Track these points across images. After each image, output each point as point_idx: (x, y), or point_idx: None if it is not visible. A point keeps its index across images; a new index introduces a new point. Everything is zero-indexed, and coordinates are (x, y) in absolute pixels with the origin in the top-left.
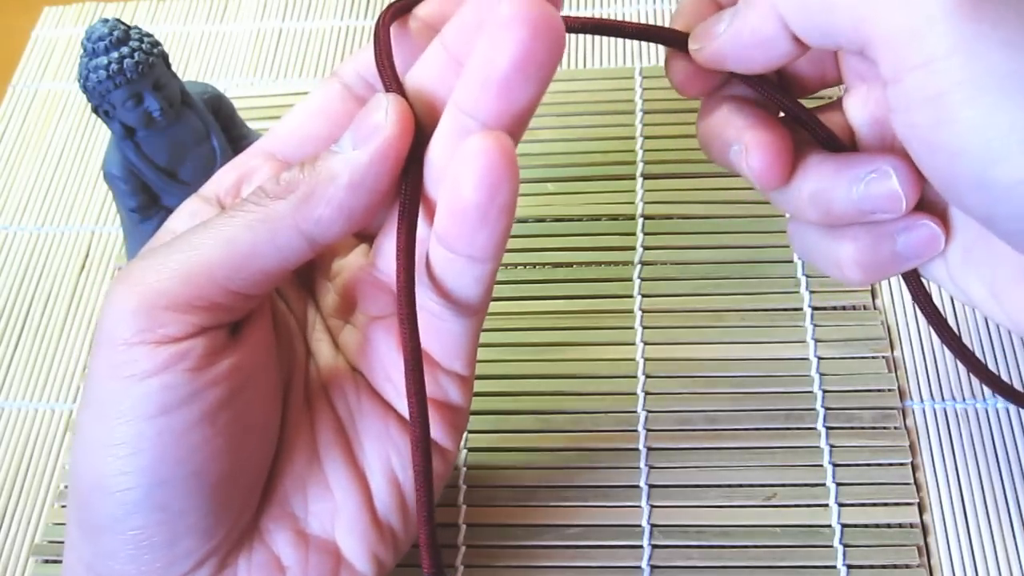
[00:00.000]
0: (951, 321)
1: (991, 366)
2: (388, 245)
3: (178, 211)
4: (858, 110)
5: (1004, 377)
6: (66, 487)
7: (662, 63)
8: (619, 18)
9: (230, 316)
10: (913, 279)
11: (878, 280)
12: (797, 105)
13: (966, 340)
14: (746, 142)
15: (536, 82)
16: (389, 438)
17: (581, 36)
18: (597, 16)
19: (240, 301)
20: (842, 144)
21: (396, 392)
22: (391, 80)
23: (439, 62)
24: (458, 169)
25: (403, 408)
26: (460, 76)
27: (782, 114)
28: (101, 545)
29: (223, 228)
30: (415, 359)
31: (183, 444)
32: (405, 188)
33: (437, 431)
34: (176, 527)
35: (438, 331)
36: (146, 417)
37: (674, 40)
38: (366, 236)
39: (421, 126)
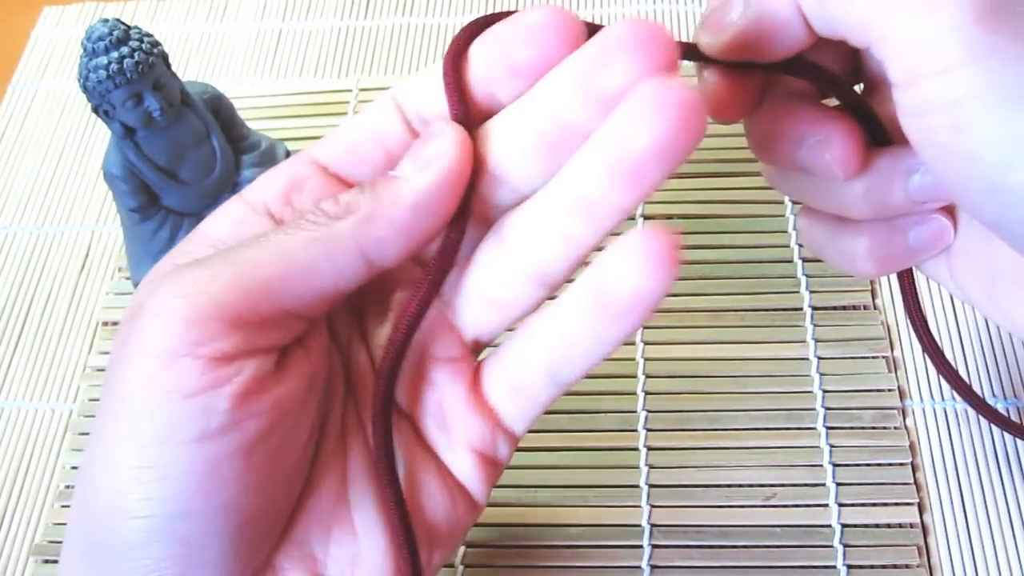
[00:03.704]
0: (951, 323)
1: (991, 370)
2: (464, 281)
3: (219, 215)
4: (884, 105)
5: (1006, 380)
6: (67, 487)
7: None
8: (619, 18)
9: (279, 338)
10: (909, 290)
11: (889, 273)
12: (857, 95)
13: (966, 342)
14: (827, 132)
15: (667, 171)
16: (426, 487)
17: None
18: (596, 17)
19: (290, 322)
20: (892, 138)
21: (446, 441)
22: (457, 107)
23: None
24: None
25: (450, 458)
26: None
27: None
28: (108, 571)
29: (281, 243)
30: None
31: (216, 475)
32: (444, 240)
33: (477, 486)
34: (192, 561)
35: (524, 397)
36: (182, 441)
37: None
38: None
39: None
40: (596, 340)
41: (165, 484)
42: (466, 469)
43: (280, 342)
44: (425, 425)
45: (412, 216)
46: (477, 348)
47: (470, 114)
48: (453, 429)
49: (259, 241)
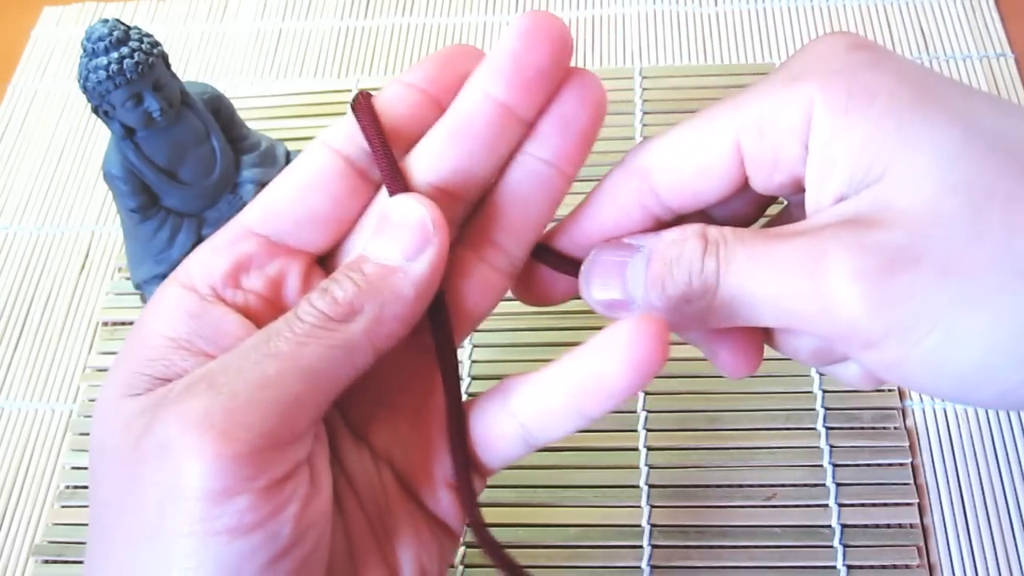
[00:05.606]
0: None
1: None
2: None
3: (165, 309)
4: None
5: None
6: (67, 487)
7: (662, 63)
8: (619, 18)
9: (311, 441)
10: None
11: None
12: None
13: None
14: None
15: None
16: (419, 538)
17: (581, 35)
18: (597, 16)
19: (317, 425)
20: None
21: (434, 487)
22: (392, 177)
23: (441, 147)
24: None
25: (435, 504)
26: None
27: None
28: None
29: (299, 357)
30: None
31: None
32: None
33: (454, 521)
34: None
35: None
36: (252, 571)
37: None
38: None
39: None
40: (576, 415)
41: None
42: (444, 506)
43: (311, 445)
44: (409, 471)
45: (417, 305)
46: None
47: (395, 160)
48: (436, 470)
49: (273, 356)
